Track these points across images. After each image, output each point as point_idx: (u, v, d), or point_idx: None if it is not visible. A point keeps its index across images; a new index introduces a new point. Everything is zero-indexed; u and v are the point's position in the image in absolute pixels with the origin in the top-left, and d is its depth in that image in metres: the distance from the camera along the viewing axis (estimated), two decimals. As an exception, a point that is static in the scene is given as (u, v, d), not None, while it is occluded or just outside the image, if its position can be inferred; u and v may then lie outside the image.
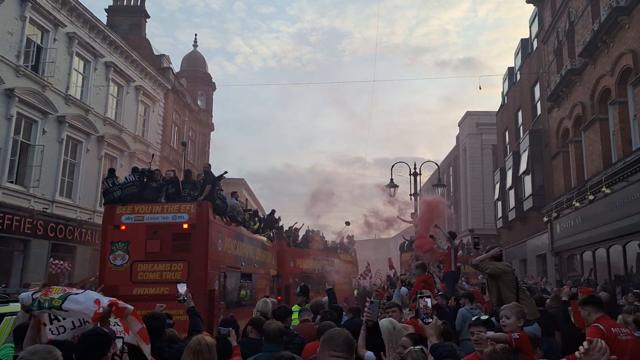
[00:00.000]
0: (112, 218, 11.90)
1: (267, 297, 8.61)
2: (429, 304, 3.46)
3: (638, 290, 11.37)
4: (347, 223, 25.42)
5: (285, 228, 21.89)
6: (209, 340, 3.70)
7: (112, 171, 13.24)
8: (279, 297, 14.31)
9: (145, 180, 12.63)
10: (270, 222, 19.22)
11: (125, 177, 12.76)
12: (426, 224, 16.46)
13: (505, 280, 6.49)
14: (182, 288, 5.45)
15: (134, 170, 13.28)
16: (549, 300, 8.99)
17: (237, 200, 15.63)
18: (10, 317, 5.63)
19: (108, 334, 3.30)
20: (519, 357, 4.22)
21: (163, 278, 11.33)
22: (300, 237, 22.98)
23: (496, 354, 4.00)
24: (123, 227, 11.72)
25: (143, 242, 11.59)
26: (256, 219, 17.65)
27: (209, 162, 13.08)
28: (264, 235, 17.24)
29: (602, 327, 4.49)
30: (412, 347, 3.68)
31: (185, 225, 11.72)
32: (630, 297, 11.00)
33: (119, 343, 3.18)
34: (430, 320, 3.41)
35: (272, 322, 5.06)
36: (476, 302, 9.12)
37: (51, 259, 16.33)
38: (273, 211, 20.48)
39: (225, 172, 14.01)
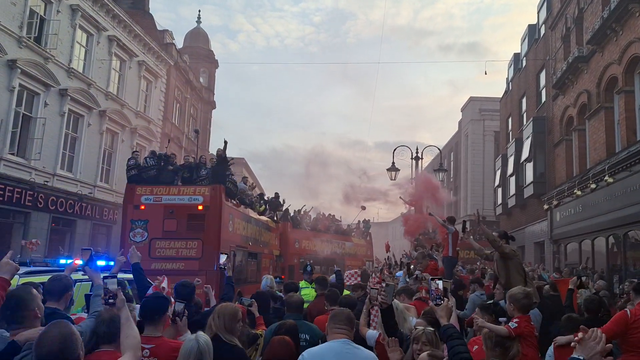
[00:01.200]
0: (132, 198, 12.93)
1: (269, 275, 9.07)
2: (440, 287, 3.51)
3: (634, 280, 11.43)
4: (363, 207, 25.54)
5: (293, 210, 22.51)
6: (236, 307, 4.12)
7: (135, 153, 14.53)
8: (283, 276, 14.74)
9: (162, 164, 13.58)
10: (275, 204, 19.89)
11: (145, 160, 13.67)
12: (419, 202, 16.68)
13: (515, 264, 6.56)
14: (223, 258, 6.94)
15: (152, 154, 14.17)
16: (547, 286, 9.08)
17: (245, 184, 16.42)
18: (81, 283, 5.99)
19: (166, 297, 3.99)
20: (516, 341, 4.25)
21: (179, 255, 12.26)
22: (309, 220, 23.67)
23: (490, 340, 4.05)
24: (143, 207, 12.75)
25: (161, 221, 12.57)
26: (262, 201, 18.42)
27: (222, 146, 14.15)
28: (268, 217, 18.01)
29: (628, 312, 4.67)
30: (425, 328, 3.71)
31: (200, 207, 12.65)
32: (627, 285, 11.06)
33: (179, 306, 3.64)
34: (442, 302, 3.45)
35: (294, 295, 5.75)
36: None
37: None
38: (277, 194, 20.91)
39: (226, 143, 14.50)
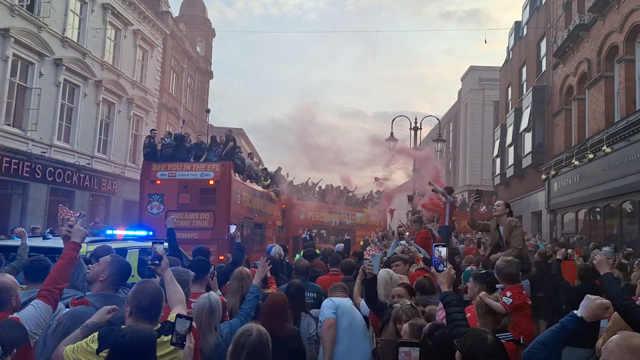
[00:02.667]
0: (149, 174, 14.03)
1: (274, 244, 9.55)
2: (443, 254, 3.51)
3: (630, 249, 11.51)
4: (376, 179, 25.58)
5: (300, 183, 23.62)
6: (249, 270, 4.96)
7: (153, 131, 15.75)
8: (288, 246, 15.37)
9: (176, 143, 14.75)
10: (277, 178, 20.84)
11: (163, 139, 14.80)
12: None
13: (520, 231, 6.66)
14: (232, 228, 7.99)
15: (169, 134, 15.41)
16: (536, 255, 9.21)
17: (251, 160, 17.58)
18: (132, 249, 6.73)
19: (208, 260, 5.08)
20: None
21: (193, 225, 13.44)
22: (316, 192, 24.16)
23: (481, 308, 4.08)
24: (158, 182, 13.85)
25: (175, 194, 13.74)
26: (267, 175, 19.52)
27: (229, 130, 16.29)
28: (272, 191, 19.16)
29: None
30: (402, 304, 3.74)
31: (211, 182, 13.78)
32: (622, 255, 11.15)
33: (159, 247, 3.83)
34: (444, 269, 3.47)
35: (302, 260, 6.80)
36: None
37: (60, 205, 16.61)
38: (279, 168, 21.75)
39: (231, 131, 15.94)
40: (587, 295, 2.58)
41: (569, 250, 8.80)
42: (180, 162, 14.21)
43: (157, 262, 3.52)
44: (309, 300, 5.52)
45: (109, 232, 7.87)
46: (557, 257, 7.41)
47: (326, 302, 4.86)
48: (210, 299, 3.71)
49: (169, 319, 2.91)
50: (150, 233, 8.14)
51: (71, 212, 16.76)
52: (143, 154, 15.13)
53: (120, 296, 3.63)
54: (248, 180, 15.91)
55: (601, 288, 3.51)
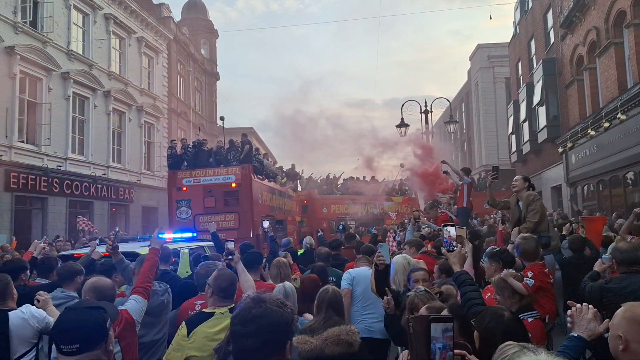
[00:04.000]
0: (175, 181, 14.83)
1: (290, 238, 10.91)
2: (453, 233, 3.43)
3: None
4: (402, 165, 25.33)
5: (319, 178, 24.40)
6: (285, 260, 5.58)
7: (173, 142, 16.86)
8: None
9: (195, 150, 15.56)
10: (293, 175, 21.57)
11: (186, 148, 15.60)
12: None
13: (540, 205, 6.48)
14: (265, 224, 8.56)
15: (193, 143, 16.31)
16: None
17: (267, 160, 18.38)
18: (183, 249, 7.62)
19: (260, 252, 5.84)
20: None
21: (220, 226, 13.72)
22: (339, 185, 24.65)
23: (500, 284, 3.99)
24: (184, 189, 14.58)
25: (201, 199, 14.39)
26: (283, 174, 20.35)
27: (244, 134, 16.95)
28: (289, 188, 20.02)
29: None
30: (416, 291, 3.67)
31: (233, 185, 14.46)
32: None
33: (230, 245, 4.51)
34: (455, 248, 3.39)
35: (322, 248, 7.66)
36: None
37: (79, 216, 16.92)
38: (293, 165, 22.52)
39: (245, 135, 16.78)
40: (568, 313, 2.42)
41: (574, 225, 8.64)
42: (203, 168, 14.97)
43: (230, 257, 4.23)
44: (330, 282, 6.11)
45: (161, 235, 8.44)
46: (563, 232, 7.40)
47: (344, 275, 5.69)
48: (285, 286, 4.35)
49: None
50: (195, 235, 9.08)
51: (90, 223, 17.00)
52: (167, 164, 16.05)
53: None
54: (266, 180, 16.61)
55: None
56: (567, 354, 2.28)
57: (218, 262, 4.78)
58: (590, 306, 2.37)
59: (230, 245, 4.34)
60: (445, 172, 14.90)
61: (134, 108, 24.36)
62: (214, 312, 3.31)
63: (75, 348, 2.02)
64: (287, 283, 4.46)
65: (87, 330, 2.07)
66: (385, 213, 23.33)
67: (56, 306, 3.96)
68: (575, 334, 2.36)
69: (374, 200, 24.24)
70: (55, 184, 18.42)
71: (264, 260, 5.65)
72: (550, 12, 21.45)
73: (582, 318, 2.35)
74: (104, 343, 2.11)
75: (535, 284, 4.42)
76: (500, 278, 4.04)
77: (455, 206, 11.77)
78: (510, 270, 4.24)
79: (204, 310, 3.50)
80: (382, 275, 4.33)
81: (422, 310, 3.26)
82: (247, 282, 3.95)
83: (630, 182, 15.32)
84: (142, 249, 6.27)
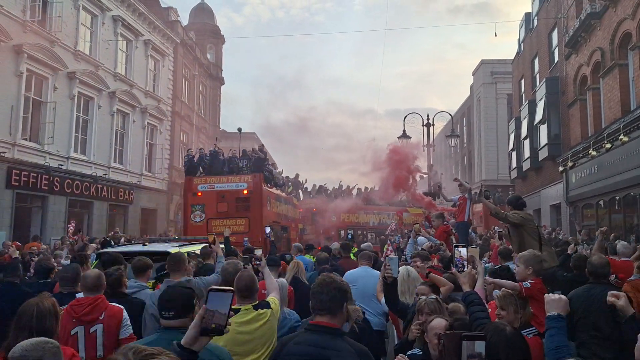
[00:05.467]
0: (191, 187, 15.75)
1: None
2: (463, 254, 3.49)
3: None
4: (421, 177, 25.34)
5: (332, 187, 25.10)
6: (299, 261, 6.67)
7: (189, 150, 17.95)
8: (319, 247, 16.12)
9: (211, 159, 16.49)
10: (296, 184, 22.44)
11: (202, 158, 16.47)
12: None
13: (528, 229, 6.54)
14: (267, 230, 10.03)
15: (210, 152, 17.20)
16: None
17: (276, 170, 19.37)
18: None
19: (277, 256, 7.16)
20: (527, 303, 4.23)
21: (231, 230, 14.48)
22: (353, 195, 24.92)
23: (506, 299, 4.01)
24: (199, 194, 15.47)
25: (215, 204, 15.28)
26: (289, 183, 21.27)
27: (258, 148, 18.14)
28: (293, 196, 20.96)
29: None
30: (427, 297, 3.70)
31: (245, 192, 15.42)
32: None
33: (258, 252, 5.01)
34: (465, 269, 3.44)
35: (322, 253, 8.35)
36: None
37: (70, 224, 17.04)
38: (297, 175, 23.10)
39: (261, 147, 18.24)
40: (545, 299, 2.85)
41: (579, 247, 8.96)
42: (218, 175, 15.92)
43: (258, 261, 4.79)
44: None
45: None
46: (568, 252, 7.66)
47: (344, 277, 5.98)
48: (279, 281, 5.09)
49: (267, 299, 3.92)
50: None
51: (75, 231, 17.22)
52: (184, 170, 17.12)
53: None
54: (274, 188, 17.54)
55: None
56: (554, 328, 2.74)
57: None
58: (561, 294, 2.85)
59: (258, 252, 4.96)
60: (456, 179, 14.99)
61: (138, 109, 24.44)
62: (240, 308, 3.67)
63: (171, 314, 2.80)
64: (280, 279, 5.40)
65: (179, 302, 2.84)
66: (404, 223, 23.34)
67: (131, 294, 4.86)
68: (554, 313, 2.75)
69: (388, 210, 24.26)
70: (56, 183, 18.44)
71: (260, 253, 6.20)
72: (556, 31, 21.61)
73: (554, 300, 2.77)
74: (191, 313, 2.79)
75: (530, 288, 4.45)
76: (507, 293, 4.07)
77: (456, 221, 11.84)
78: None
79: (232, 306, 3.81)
80: (390, 288, 4.40)
81: (437, 323, 3.26)
82: (272, 285, 4.38)
83: (630, 203, 15.38)
84: (172, 248, 7.09)
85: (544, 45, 23.19)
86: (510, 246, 7.30)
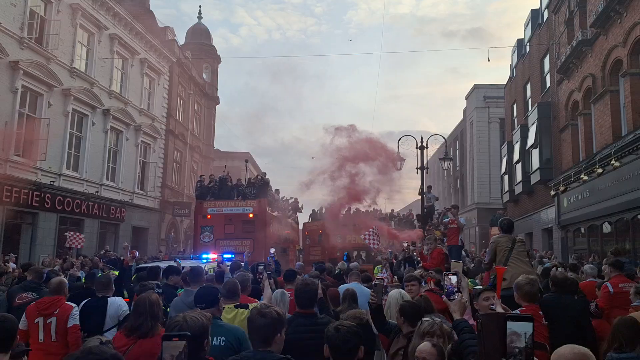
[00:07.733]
0: (201, 210, 17.20)
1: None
2: (454, 281, 3.48)
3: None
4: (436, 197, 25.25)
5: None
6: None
7: (202, 176, 19.58)
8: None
9: (220, 184, 18.01)
10: (295, 208, 23.35)
11: (213, 183, 18.12)
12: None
13: (518, 252, 6.66)
14: (272, 250, 11.95)
15: (219, 178, 18.65)
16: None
17: (277, 195, 20.83)
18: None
19: (295, 270, 7.64)
20: None
21: (237, 250, 15.63)
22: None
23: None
24: (209, 217, 16.87)
25: (223, 226, 16.69)
26: (289, 207, 22.60)
27: (264, 173, 20.17)
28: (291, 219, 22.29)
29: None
30: (442, 321, 3.66)
31: (250, 215, 16.77)
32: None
33: (260, 267, 6.21)
34: (456, 297, 3.43)
35: (314, 272, 8.99)
36: None
37: (67, 232, 16.73)
38: (296, 199, 23.73)
39: (265, 174, 19.37)
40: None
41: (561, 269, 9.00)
42: (226, 200, 17.32)
43: (261, 275, 5.85)
44: None
45: (205, 256, 11.00)
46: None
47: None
48: (280, 293, 5.75)
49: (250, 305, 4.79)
50: (232, 256, 10.58)
51: (82, 235, 16.79)
52: (195, 195, 18.53)
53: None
54: (276, 212, 18.71)
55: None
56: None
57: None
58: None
59: (260, 268, 6.12)
60: (454, 206, 15.02)
61: (131, 127, 24.42)
62: (224, 306, 4.53)
63: (203, 306, 3.73)
64: (277, 291, 5.88)
65: (207, 298, 3.95)
66: (405, 243, 23.22)
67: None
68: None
69: (388, 232, 24.20)
70: (47, 200, 18.29)
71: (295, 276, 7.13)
72: (548, 57, 21.94)
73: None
74: (217, 305, 3.96)
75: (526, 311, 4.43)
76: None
77: (446, 243, 11.91)
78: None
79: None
80: (376, 312, 4.47)
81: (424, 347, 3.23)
82: (266, 294, 5.38)
83: (622, 228, 15.45)
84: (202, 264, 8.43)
85: (536, 71, 23.52)
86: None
